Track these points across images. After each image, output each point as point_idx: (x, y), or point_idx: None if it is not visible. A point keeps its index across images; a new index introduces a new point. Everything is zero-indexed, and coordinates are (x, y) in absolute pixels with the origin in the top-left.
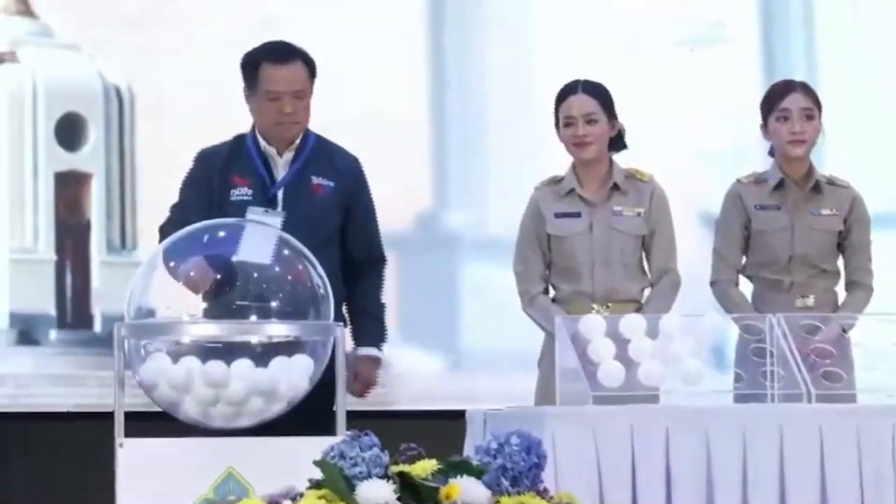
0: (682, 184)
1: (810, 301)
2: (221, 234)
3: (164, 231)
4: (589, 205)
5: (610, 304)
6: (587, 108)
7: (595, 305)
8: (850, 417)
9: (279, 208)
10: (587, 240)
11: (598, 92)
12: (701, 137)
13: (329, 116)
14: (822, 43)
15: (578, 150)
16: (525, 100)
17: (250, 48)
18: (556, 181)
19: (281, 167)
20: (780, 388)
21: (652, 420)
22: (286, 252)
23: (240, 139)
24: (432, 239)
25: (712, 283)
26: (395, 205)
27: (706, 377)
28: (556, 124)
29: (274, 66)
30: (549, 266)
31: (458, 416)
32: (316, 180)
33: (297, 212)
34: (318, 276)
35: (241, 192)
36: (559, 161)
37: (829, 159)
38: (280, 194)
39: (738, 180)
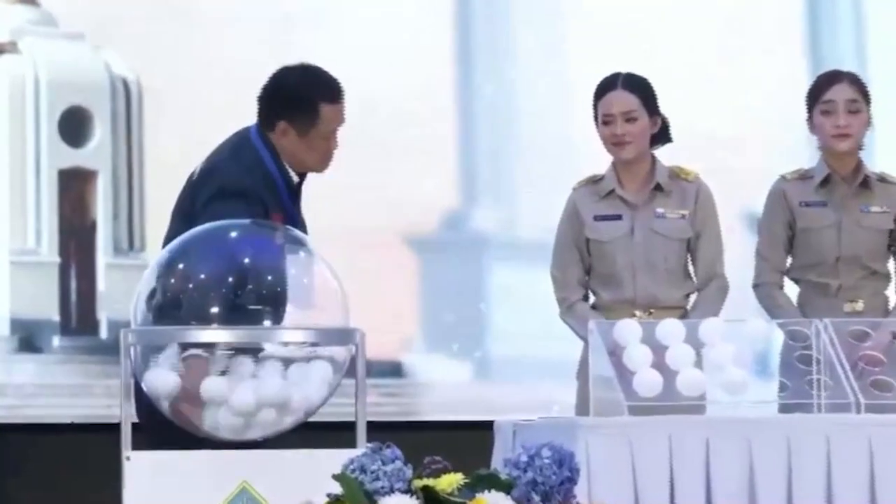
0: (723, 181)
1: (859, 305)
2: (234, 234)
3: None
4: (630, 206)
5: (652, 312)
6: (627, 106)
7: (637, 313)
8: None
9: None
10: (628, 244)
11: (639, 87)
12: (744, 132)
13: (351, 112)
14: (871, 30)
15: (617, 149)
16: (560, 90)
17: (288, 79)
18: (595, 181)
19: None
20: (826, 397)
21: (691, 431)
22: (301, 254)
23: (266, 172)
24: (459, 240)
25: (755, 286)
26: (419, 203)
27: (749, 386)
28: (596, 120)
29: (332, 105)
30: (589, 271)
31: (486, 427)
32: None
33: None
34: (336, 279)
35: None
36: (596, 156)
37: (879, 154)
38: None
39: (783, 177)
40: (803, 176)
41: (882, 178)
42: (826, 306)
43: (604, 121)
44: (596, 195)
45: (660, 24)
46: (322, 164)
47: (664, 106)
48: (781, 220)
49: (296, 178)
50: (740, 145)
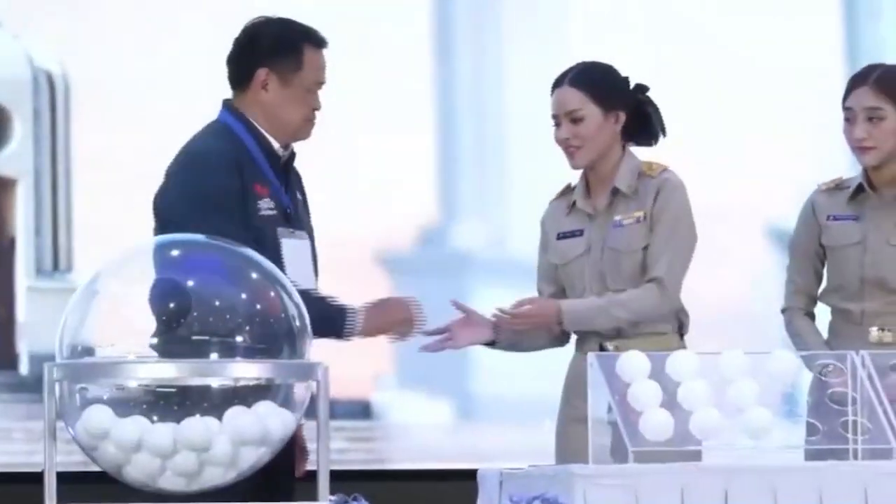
0: (747, 194)
1: (888, 336)
2: (176, 252)
3: None
4: (591, 219)
5: (618, 346)
6: (569, 104)
7: (609, 345)
8: None
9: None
10: (583, 265)
11: (589, 81)
12: (773, 140)
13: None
14: None
15: (567, 156)
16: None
17: (266, 26)
18: (568, 191)
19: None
20: (864, 441)
21: (707, 481)
22: (254, 275)
23: (232, 135)
24: (439, 259)
25: (782, 311)
26: (394, 217)
27: (774, 429)
28: None
29: (317, 50)
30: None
31: (469, 476)
32: (298, 195)
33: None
34: (295, 306)
35: (267, 205)
36: None
37: None
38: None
39: (818, 186)
40: (839, 185)
41: None
42: (850, 335)
43: (553, 123)
44: (566, 208)
45: (675, 14)
46: (305, 124)
47: (682, 106)
48: (808, 236)
49: (277, 147)
50: (767, 149)
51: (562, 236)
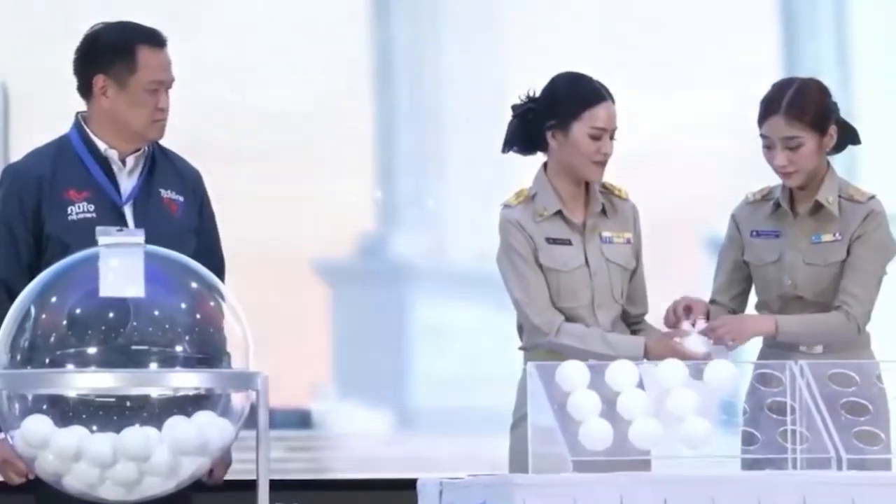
0: (682, 202)
1: (818, 347)
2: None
3: None
4: (576, 230)
5: None
6: (615, 122)
7: None
8: (890, 488)
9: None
10: (586, 276)
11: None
12: (706, 146)
13: (249, 116)
14: (856, 29)
15: (598, 169)
16: (495, 97)
17: (101, 31)
18: (530, 197)
19: (125, 177)
20: (803, 451)
21: (647, 491)
22: (194, 284)
23: (64, 143)
24: (376, 269)
25: None
26: (330, 226)
27: (713, 438)
28: (562, 126)
29: (153, 50)
30: None
31: (409, 486)
32: (165, 194)
33: (151, 232)
34: (234, 315)
35: (82, 209)
36: (534, 168)
37: (865, 169)
38: (129, 210)
39: (746, 197)
40: (766, 196)
41: (850, 198)
42: (781, 345)
43: (592, 134)
44: (537, 215)
45: (610, 23)
46: (149, 125)
47: (619, 115)
48: (731, 251)
49: (103, 145)
50: (703, 159)
51: (551, 241)
